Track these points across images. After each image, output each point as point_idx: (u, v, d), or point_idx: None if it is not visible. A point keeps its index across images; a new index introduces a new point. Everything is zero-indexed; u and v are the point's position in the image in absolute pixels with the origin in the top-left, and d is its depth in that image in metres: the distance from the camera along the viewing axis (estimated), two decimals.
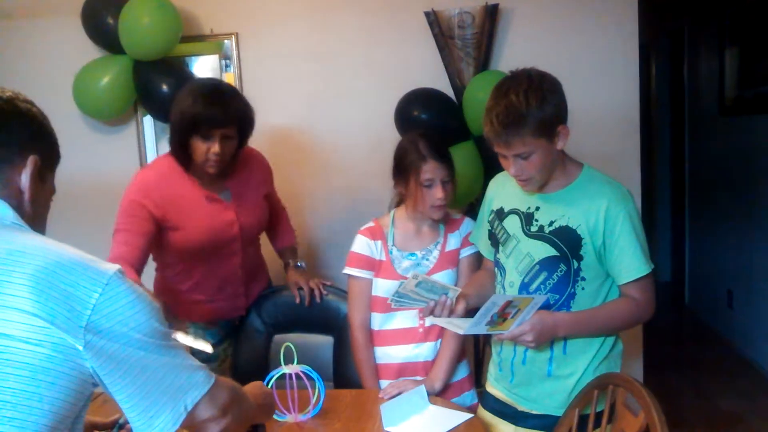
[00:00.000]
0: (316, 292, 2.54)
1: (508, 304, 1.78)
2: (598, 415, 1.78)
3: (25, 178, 1.22)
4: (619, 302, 1.92)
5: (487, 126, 1.84)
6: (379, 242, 2.28)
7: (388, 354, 2.26)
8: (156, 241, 2.36)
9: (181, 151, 2.36)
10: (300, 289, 2.56)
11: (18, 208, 1.21)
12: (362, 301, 2.28)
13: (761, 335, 4.37)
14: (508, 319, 1.81)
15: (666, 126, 6.43)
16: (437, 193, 2.16)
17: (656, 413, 1.54)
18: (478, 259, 2.26)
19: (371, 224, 2.33)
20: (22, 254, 1.09)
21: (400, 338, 2.24)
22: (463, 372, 2.29)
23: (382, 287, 2.24)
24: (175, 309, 2.41)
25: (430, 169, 2.16)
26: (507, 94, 1.80)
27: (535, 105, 1.77)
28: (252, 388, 1.52)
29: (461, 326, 1.87)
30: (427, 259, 2.25)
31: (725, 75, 4.77)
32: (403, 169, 2.21)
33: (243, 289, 2.56)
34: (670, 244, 6.42)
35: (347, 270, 2.29)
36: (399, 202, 2.36)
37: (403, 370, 2.24)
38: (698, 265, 5.71)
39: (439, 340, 2.23)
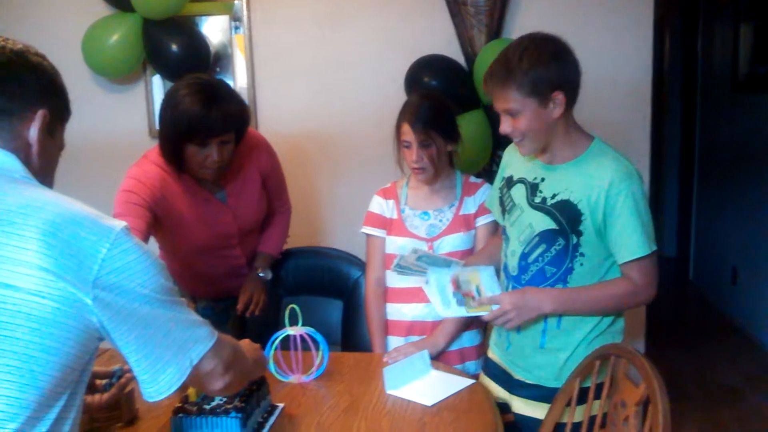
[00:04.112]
0: (253, 307, 2.43)
1: (456, 280, 1.80)
2: (599, 386, 1.78)
3: (33, 132, 1.22)
4: (616, 282, 1.89)
5: (483, 81, 1.86)
6: (392, 201, 2.33)
7: (400, 311, 2.31)
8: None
9: (173, 157, 2.20)
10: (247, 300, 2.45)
11: (26, 161, 1.21)
12: (377, 259, 2.34)
13: (764, 313, 4.38)
14: (479, 299, 1.82)
15: (677, 101, 6.38)
16: (410, 155, 2.21)
17: (657, 384, 1.54)
18: (494, 228, 2.26)
19: (388, 185, 2.39)
20: (32, 208, 1.09)
21: (412, 296, 2.27)
22: (470, 341, 2.30)
23: (394, 244, 2.29)
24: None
25: (406, 131, 2.21)
26: (506, 53, 1.82)
27: (528, 64, 1.76)
28: (243, 344, 1.54)
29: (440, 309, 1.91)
30: (441, 220, 2.27)
31: (739, 51, 4.71)
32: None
33: (248, 269, 2.53)
34: (676, 220, 6.42)
35: (363, 228, 2.36)
36: None
37: (413, 327, 2.28)
38: (704, 242, 5.70)
39: None
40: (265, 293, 2.49)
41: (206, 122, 2.10)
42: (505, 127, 1.86)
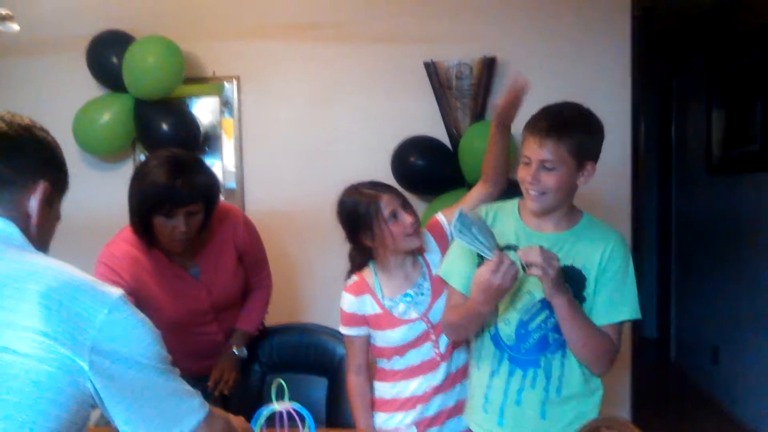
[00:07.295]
0: (222, 386, 2.42)
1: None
2: None
3: (33, 203, 1.26)
4: (602, 331, 1.89)
5: (534, 122, 1.86)
6: (367, 296, 2.21)
7: (408, 388, 2.18)
8: None
9: (142, 231, 2.20)
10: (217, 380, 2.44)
11: (24, 230, 1.24)
12: (359, 354, 2.24)
13: (746, 391, 4.38)
14: None
15: (653, 183, 6.52)
16: (407, 219, 2.12)
17: None
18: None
19: (355, 278, 2.25)
20: (33, 273, 1.12)
21: (420, 371, 2.17)
22: (453, 399, 2.18)
23: (390, 338, 2.18)
24: None
25: (388, 201, 2.13)
26: (560, 110, 1.88)
27: (583, 127, 1.85)
28: (235, 420, 1.57)
29: None
30: (422, 294, 2.18)
31: (712, 135, 4.87)
32: (360, 219, 2.14)
33: (225, 347, 2.49)
34: (656, 301, 6.44)
35: (341, 329, 2.25)
36: (359, 265, 2.26)
37: (431, 397, 2.17)
38: (684, 322, 5.73)
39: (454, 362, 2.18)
40: (237, 372, 2.45)
41: (171, 192, 2.11)
42: (533, 178, 1.84)
